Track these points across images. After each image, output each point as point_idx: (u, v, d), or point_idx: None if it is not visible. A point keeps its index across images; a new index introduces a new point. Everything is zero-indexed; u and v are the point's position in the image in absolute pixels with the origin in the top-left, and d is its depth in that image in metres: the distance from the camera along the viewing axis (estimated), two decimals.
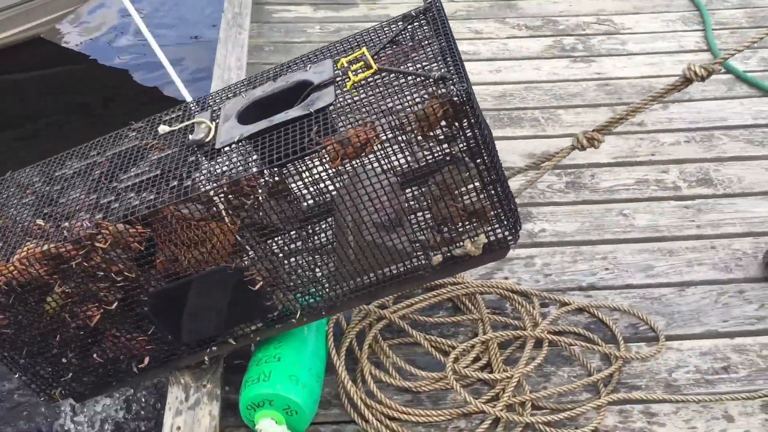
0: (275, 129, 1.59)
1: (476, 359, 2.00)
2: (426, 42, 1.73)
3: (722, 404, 1.93)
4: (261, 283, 1.67)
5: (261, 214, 1.65)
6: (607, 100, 3.28)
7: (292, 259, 1.74)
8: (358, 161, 1.58)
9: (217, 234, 1.61)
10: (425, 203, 1.74)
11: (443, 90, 1.54)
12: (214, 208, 1.62)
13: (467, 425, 1.86)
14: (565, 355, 2.05)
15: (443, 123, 1.60)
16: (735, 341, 2.11)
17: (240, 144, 1.62)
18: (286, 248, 1.73)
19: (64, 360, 1.75)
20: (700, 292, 2.28)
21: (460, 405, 1.89)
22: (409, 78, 1.64)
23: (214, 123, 1.71)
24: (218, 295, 1.69)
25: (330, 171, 1.59)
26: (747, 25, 3.85)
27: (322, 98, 1.62)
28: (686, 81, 1.88)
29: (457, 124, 1.59)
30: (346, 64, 1.70)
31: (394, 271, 1.75)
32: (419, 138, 1.63)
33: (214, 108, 1.81)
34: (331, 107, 1.62)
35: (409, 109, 1.55)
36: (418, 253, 1.74)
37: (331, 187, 1.63)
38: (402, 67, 1.69)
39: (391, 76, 1.65)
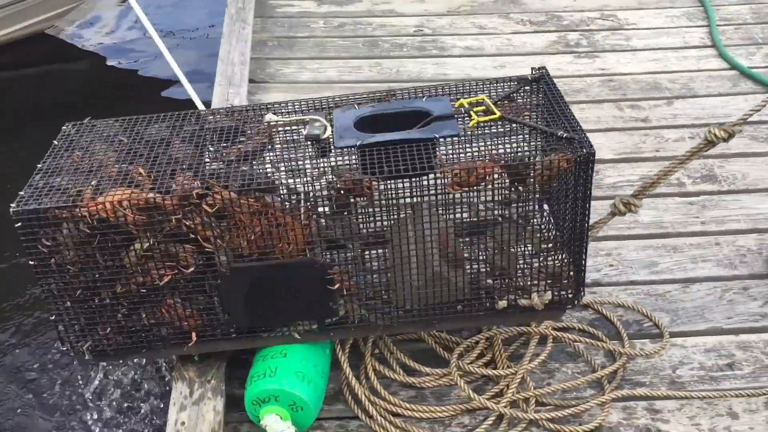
0: (396, 143, 1.69)
1: (480, 355, 2.00)
2: (537, 103, 1.89)
3: (726, 401, 1.93)
4: (338, 285, 1.70)
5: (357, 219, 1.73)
6: (611, 95, 3.27)
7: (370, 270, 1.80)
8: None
9: (291, 228, 1.65)
10: (504, 252, 1.80)
11: (568, 148, 1.66)
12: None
13: (471, 421, 1.86)
14: (569, 352, 2.05)
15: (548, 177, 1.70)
16: (739, 338, 2.11)
17: (352, 148, 1.71)
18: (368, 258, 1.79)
19: (109, 314, 1.72)
20: (705, 288, 2.28)
21: (464, 401, 1.89)
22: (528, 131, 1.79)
23: (329, 123, 1.79)
24: (289, 287, 1.70)
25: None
26: (752, 21, 3.84)
27: (447, 128, 1.73)
28: (709, 143, 1.93)
29: (573, 179, 1.70)
30: (467, 105, 1.82)
31: (454, 306, 1.79)
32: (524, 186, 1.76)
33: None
34: (456, 138, 1.74)
35: (537, 156, 1.69)
36: (483, 295, 1.80)
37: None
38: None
39: (512, 125, 1.78)
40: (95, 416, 2.59)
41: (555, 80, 3.38)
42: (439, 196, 1.67)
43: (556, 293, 1.79)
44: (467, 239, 1.83)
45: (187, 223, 1.61)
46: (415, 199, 1.72)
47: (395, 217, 1.73)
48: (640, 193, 2.00)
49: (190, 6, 5.97)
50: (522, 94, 1.94)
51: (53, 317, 1.72)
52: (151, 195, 1.60)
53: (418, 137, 1.70)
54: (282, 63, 3.51)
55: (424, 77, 3.41)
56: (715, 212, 2.59)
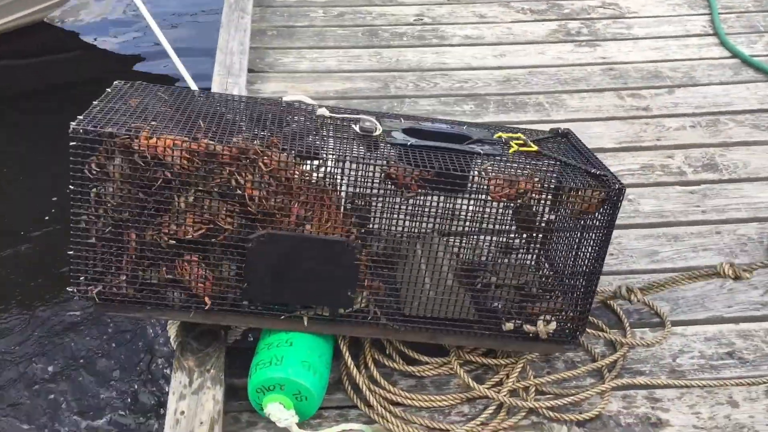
0: (442, 150, 1.80)
1: None
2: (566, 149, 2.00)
3: (726, 390, 1.92)
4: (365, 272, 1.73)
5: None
6: (612, 84, 3.26)
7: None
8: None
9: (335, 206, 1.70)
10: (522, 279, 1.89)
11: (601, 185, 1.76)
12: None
13: (471, 410, 1.86)
14: None
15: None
16: (740, 327, 2.11)
17: (398, 149, 1.81)
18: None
19: (129, 260, 1.70)
20: (705, 271, 2.27)
21: (464, 390, 1.89)
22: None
23: (380, 123, 1.89)
24: (315, 266, 1.72)
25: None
26: (754, 9, 3.82)
27: (489, 148, 1.86)
28: (716, 274, 2.07)
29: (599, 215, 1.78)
30: (505, 137, 1.94)
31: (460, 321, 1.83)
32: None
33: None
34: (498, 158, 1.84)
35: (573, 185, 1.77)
36: (491, 316, 1.84)
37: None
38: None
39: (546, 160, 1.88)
40: (95, 404, 2.59)
41: (555, 69, 3.40)
42: (473, 207, 1.75)
43: (560, 326, 1.83)
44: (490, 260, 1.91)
45: (238, 179, 1.62)
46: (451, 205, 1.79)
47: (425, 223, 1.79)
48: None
49: None
50: (552, 141, 2.03)
51: (71, 252, 1.68)
52: (211, 142, 1.61)
53: (465, 149, 1.83)
54: (281, 52, 3.49)
55: (423, 66, 3.39)
56: (716, 201, 2.58)
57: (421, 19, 3.79)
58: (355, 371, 1.88)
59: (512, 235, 1.90)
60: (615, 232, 2.41)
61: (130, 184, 1.64)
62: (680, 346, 2.04)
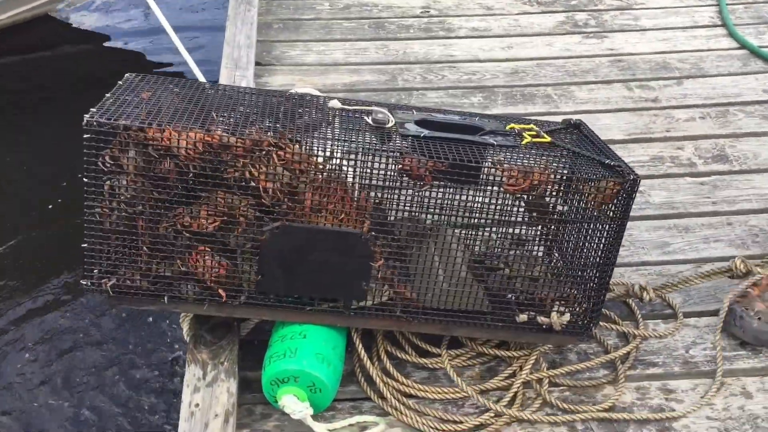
0: (456, 142, 1.78)
1: None
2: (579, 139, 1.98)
3: (740, 381, 1.92)
4: (380, 263, 1.73)
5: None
6: (620, 76, 3.25)
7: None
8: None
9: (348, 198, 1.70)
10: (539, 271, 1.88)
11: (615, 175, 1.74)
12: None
13: (485, 402, 1.85)
14: None
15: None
16: None
17: (411, 140, 1.80)
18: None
19: (144, 253, 1.69)
20: (717, 268, 2.26)
21: (478, 382, 1.89)
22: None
23: (392, 115, 1.88)
24: (329, 258, 1.71)
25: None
26: None
27: (502, 139, 1.85)
28: (728, 271, 2.08)
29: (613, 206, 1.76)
30: (517, 129, 1.92)
31: (473, 313, 1.82)
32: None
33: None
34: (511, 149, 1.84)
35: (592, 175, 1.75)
36: (505, 307, 1.84)
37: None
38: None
39: (560, 152, 1.86)
40: (109, 398, 2.59)
41: (563, 61, 3.39)
42: (487, 200, 1.75)
43: (574, 318, 1.82)
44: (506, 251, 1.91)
45: (252, 171, 1.62)
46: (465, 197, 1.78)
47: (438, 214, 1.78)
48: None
49: None
50: (564, 132, 2.02)
51: (84, 245, 1.67)
52: (225, 134, 1.61)
53: (478, 140, 1.82)
54: (288, 45, 3.48)
55: (431, 58, 3.38)
56: (727, 192, 2.58)
57: (428, 11, 3.78)
58: (368, 363, 1.88)
59: (525, 227, 1.89)
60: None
61: (143, 176, 1.64)
62: (693, 338, 2.04)
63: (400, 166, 1.70)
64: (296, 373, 1.70)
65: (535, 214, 1.84)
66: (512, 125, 1.95)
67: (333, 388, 1.77)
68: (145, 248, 1.69)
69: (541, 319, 1.82)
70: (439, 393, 1.86)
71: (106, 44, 5.27)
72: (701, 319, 2.10)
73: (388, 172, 1.70)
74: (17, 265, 3.43)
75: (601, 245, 1.77)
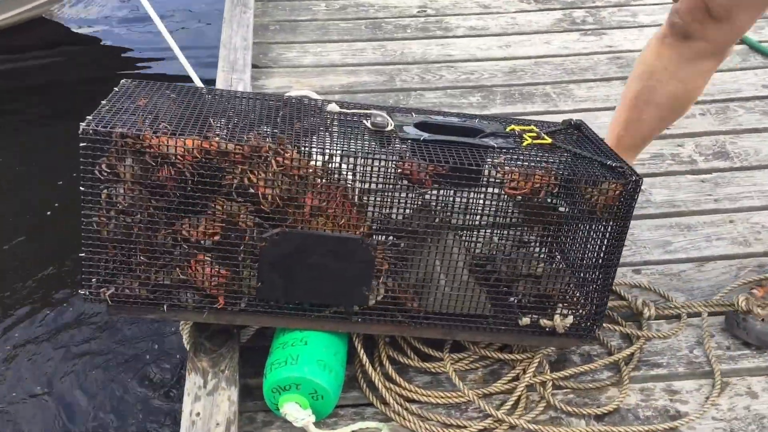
0: (456, 144, 1.77)
1: None
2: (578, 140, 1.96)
3: (745, 381, 1.91)
4: (383, 267, 1.72)
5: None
6: (619, 73, 3.23)
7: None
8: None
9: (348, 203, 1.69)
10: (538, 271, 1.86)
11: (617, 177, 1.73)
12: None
13: (487, 405, 1.84)
14: None
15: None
16: None
17: (411, 144, 1.78)
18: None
19: (143, 261, 1.67)
20: (720, 267, 2.25)
21: (480, 385, 1.87)
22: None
23: (391, 118, 1.86)
24: (329, 264, 1.70)
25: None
26: None
27: (503, 141, 1.84)
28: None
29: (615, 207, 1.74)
30: (518, 130, 1.89)
31: (476, 317, 1.81)
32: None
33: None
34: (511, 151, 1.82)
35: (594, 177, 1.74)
36: (507, 310, 1.82)
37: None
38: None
39: (561, 153, 1.84)
40: (108, 407, 2.58)
41: (561, 59, 3.37)
42: (488, 203, 1.74)
43: (578, 319, 1.81)
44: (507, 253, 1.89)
45: (251, 177, 1.60)
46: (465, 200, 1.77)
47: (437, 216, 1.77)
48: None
49: None
50: (564, 133, 2.00)
51: (82, 254, 1.65)
52: (222, 141, 1.59)
53: (478, 143, 1.80)
54: (284, 47, 3.47)
55: (428, 58, 3.37)
56: (729, 189, 2.56)
57: (425, 11, 3.76)
58: (370, 368, 1.86)
59: (526, 229, 1.88)
60: None
61: (141, 184, 1.62)
62: (697, 338, 2.02)
63: (400, 170, 1.68)
64: (298, 380, 1.69)
65: (536, 216, 1.82)
66: (512, 126, 1.93)
67: (335, 394, 1.75)
68: (143, 257, 1.67)
69: (543, 321, 1.81)
70: (442, 397, 1.85)
71: (100, 47, 5.25)
72: (705, 319, 2.08)
73: (388, 176, 1.68)
74: (10, 269, 3.41)
75: (604, 247, 1.76)
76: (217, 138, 1.61)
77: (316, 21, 3.68)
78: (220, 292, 1.72)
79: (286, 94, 2.04)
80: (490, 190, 1.73)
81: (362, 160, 1.66)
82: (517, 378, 1.88)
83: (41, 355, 2.92)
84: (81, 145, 1.56)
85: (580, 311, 1.81)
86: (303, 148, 1.67)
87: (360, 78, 3.22)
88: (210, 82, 3.47)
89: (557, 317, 1.80)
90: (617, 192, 1.71)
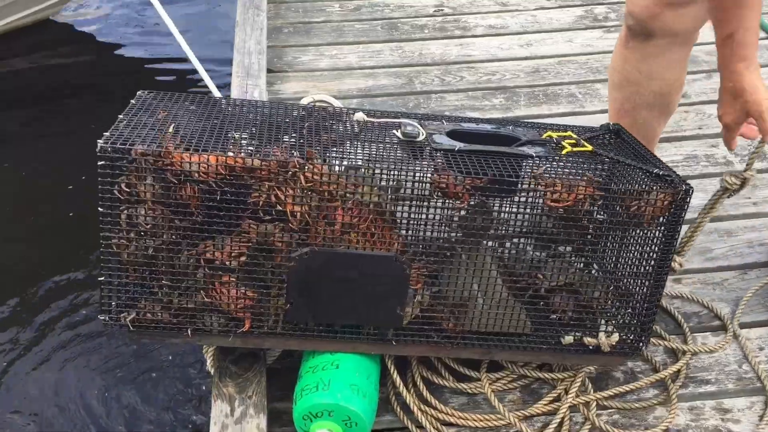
0: (492, 155, 1.67)
1: None
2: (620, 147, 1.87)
3: None
4: (418, 285, 1.64)
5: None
6: None
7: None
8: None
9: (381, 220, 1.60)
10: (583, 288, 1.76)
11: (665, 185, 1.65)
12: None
13: (529, 428, 1.75)
14: None
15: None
16: None
17: (444, 154, 1.68)
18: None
19: (165, 285, 1.60)
20: (765, 274, 2.15)
21: (520, 407, 1.78)
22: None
23: (423, 128, 1.76)
24: (361, 284, 1.61)
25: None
26: None
27: (541, 150, 1.74)
28: (726, 190, 1.88)
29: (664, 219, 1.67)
30: (555, 137, 1.81)
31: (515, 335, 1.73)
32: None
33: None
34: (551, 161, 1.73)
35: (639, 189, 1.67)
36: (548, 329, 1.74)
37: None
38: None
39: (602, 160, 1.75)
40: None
41: (585, 57, 3.27)
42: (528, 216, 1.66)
43: (624, 335, 1.72)
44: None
45: (278, 194, 1.52)
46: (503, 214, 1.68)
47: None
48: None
49: None
50: (602, 139, 1.91)
51: (102, 278, 1.57)
52: (248, 158, 1.51)
53: (516, 152, 1.70)
54: (299, 50, 3.37)
55: (448, 59, 3.27)
56: (767, 192, 2.46)
57: (441, 10, 3.66)
58: (403, 390, 1.77)
59: (568, 244, 1.78)
60: None
61: (162, 204, 1.53)
62: (746, 351, 1.92)
63: (435, 183, 1.58)
64: (330, 407, 1.60)
65: (579, 229, 1.72)
66: (549, 133, 1.84)
67: (369, 420, 1.66)
68: (165, 281, 1.58)
69: (587, 340, 1.71)
70: (481, 420, 1.75)
71: (109, 51, 5.16)
72: (752, 330, 1.98)
73: (423, 191, 1.59)
74: (13, 282, 3.33)
75: (651, 260, 1.66)
76: (242, 154, 1.52)
77: (330, 22, 3.58)
78: (247, 315, 1.63)
79: (306, 101, 1.94)
80: (530, 201, 1.63)
81: (395, 173, 1.57)
82: (558, 398, 1.79)
83: (55, 374, 2.84)
84: (99, 164, 1.47)
85: (627, 328, 1.71)
86: (333, 163, 1.57)
87: (378, 81, 3.12)
88: (223, 87, 3.39)
89: (602, 335, 1.70)
90: (666, 202, 1.61)
